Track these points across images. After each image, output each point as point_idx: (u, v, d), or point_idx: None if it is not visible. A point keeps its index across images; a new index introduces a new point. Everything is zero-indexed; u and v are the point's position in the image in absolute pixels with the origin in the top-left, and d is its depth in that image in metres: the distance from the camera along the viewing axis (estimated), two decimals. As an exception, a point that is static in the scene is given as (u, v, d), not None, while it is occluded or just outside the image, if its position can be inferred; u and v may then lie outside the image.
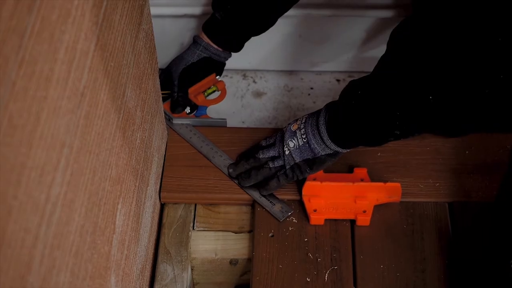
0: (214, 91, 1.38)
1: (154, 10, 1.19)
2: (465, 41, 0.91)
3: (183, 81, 1.36)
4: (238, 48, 1.37)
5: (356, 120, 1.08)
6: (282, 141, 1.18)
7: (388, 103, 1.03)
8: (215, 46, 1.35)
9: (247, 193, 1.23)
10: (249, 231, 1.23)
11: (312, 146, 1.13)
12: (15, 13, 0.55)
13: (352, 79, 1.48)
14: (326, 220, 1.20)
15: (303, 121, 1.16)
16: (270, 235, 1.19)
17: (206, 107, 1.37)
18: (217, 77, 1.40)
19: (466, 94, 0.96)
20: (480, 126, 1.04)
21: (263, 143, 1.23)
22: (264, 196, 1.22)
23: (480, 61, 0.91)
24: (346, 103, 1.09)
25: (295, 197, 1.23)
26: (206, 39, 1.35)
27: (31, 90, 0.59)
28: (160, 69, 1.27)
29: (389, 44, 1.04)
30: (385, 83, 1.03)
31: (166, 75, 1.37)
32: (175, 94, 1.35)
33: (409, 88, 0.99)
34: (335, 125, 1.11)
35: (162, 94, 1.28)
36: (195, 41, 1.36)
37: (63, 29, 0.66)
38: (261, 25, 1.34)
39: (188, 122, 1.35)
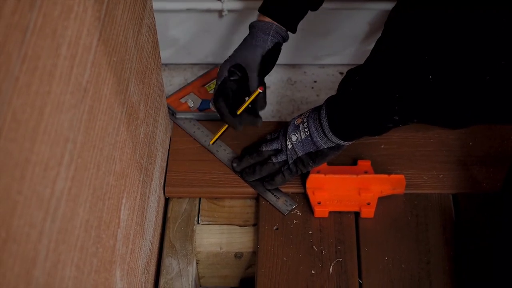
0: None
1: (156, 5, 1.19)
2: (467, 22, 0.90)
3: (263, 70, 1.20)
4: (295, 28, 1.23)
5: (355, 106, 1.07)
6: (285, 135, 1.18)
7: (387, 84, 1.01)
8: (284, 28, 1.20)
9: (251, 186, 1.23)
10: (254, 225, 1.23)
11: (314, 139, 1.14)
12: (17, 9, 0.55)
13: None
14: (330, 212, 1.21)
15: (307, 115, 1.16)
16: (274, 228, 1.20)
17: (210, 100, 1.37)
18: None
19: (466, 78, 0.94)
20: (481, 115, 1.03)
21: (268, 137, 1.24)
22: (268, 189, 1.23)
23: (482, 42, 0.90)
24: (345, 91, 1.08)
25: (299, 190, 1.23)
26: (279, 26, 1.19)
27: (34, 86, 0.59)
28: (223, 65, 1.20)
29: (387, 24, 1.02)
30: (383, 64, 1.01)
31: (238, 68, 1.20)
32: (254, 87, 1.18)
33: (408, 67, 0.98)
34: (335, 116, 1.11)
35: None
36: (260, 27, 1.19)
37: (66, 25, 0.67)
38: None
39: (192, 116, 1.35)
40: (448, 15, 0.91)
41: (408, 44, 0.97)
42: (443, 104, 1.00)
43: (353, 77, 1.07)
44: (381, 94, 1.03)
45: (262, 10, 1.20)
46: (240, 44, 1.21)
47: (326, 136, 1.12)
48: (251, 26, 1.21)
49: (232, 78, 1.20)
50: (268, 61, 1.20)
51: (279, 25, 1.19)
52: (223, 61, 1.21)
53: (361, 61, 1.56)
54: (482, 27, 0.89)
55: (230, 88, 1.20)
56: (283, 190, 1.23)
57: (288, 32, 1.22)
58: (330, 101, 1.13)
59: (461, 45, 0.92)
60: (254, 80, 1.18)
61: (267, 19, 1.19)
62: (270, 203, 1.22)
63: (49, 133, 0.62)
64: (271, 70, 1.22)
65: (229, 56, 1.21)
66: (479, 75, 0.93)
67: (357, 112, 1.07)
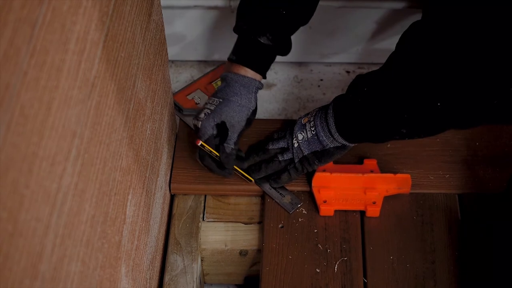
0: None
1: (164, 1, 1.19)
2: (477, 51, 0.90)
3: (243, 130, 1.20)
4: (265, 76, 1.22)
5: (362, 118, 1.07)
6: (292, 134, 1.18)
7: (395, 107, 1.02)
8: (260, 79, 1.20)
9: (257, 184, 1.23)
10: (259, 222, 1.23)
11: (321, 138, 1.14)
12: (26, 3, 0.55)
13: (361, 71, 1.47)
14: (335, 211, 1.20)
15: (313, 114, 1.16)
16: (280, 226, 1.20)
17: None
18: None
19: (474, 103, 0.95)
20: (488, 119, 1.04)
21: (275, 136, 1.24)
22: (273, 187, 1.23)
23: (491, 72, 0.90)
24: (353, 100, 1.08)
25: (304, 188, 1.23)
26: (258, 76, 1.19)
27: (42, 80, 0.59)
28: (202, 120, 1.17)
29: (398, 46, 1.02)
30: (393, 86, 1.02)
31: (221, 129, 1.18)
32: (231, 147, 1.18)
33: (417, 94, 0.98)
34: (342, 120, 1.11)
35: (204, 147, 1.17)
36: (242, 84, 1.18)
37: (74, 20, 0.67)
38: (289, 45, 1.22)
39: (198, 113, 1.35)
40: (458, 44, 0.92)
41: (418, 73, 0.98)
42: (451, 124, 1.03)
43: (362, 87, 1.06)
44: (389, 112, 1.03)
45: (240, 61, 1.18)
46: (225, 101, 1.17)
47: (332, 136, 1.12)
48: (231, 80, 1.18)
49: (216, 135, 1.18)
50: (251, 120, 1.20)
51: (259, 77, 1.19)
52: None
53: (368, 60, 1.57)
54: (491, 56, 0.90)
55: (215, 144, 1.19)
56: (289, 188, 1.23)
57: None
58: (337, 103, 1.12)
59: (469, 73, 0.92)
60: (232, 140, 1.18)
61: (249, 73, 1.18)
62: (275, 201, 1.22)
63: (56, 128, 0.62)
64: (249, 128, 1.21)
65: (212, 111, 1.17)
66: (488, 100, 0.94)
67: (364, 123, 1.08)
